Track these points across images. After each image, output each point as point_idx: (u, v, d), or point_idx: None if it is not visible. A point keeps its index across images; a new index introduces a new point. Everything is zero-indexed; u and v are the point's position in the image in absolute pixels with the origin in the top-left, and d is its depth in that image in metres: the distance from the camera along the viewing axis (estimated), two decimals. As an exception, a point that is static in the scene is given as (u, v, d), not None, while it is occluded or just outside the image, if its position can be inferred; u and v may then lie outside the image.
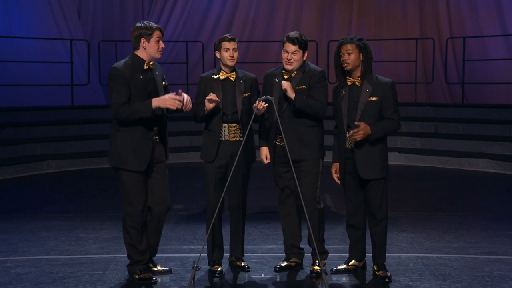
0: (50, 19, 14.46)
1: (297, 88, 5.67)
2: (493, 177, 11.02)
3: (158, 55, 5.51)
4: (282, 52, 5.73)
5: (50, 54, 14.17)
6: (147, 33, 5.48)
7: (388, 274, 5.68)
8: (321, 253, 5.78)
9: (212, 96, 5.57)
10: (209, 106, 5.59)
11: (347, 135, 5.54)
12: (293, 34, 5.72)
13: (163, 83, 5.64)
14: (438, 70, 14.78)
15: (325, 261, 5.80)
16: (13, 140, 11.68)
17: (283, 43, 5.72)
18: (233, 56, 5.71)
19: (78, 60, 14.32)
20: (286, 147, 5.48)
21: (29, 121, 12.32)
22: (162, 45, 5.53)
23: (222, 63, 5.79)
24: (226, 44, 5.72)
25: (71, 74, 13.40)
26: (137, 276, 5.60)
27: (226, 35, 5.81)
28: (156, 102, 5.41)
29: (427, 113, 13.33)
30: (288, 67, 5.70)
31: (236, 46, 5.75)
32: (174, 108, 5.40)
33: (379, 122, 5.54)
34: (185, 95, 5.48)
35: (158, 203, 5.64)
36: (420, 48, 14.99)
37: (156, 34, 5.49)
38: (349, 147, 5.61)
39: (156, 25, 5.53)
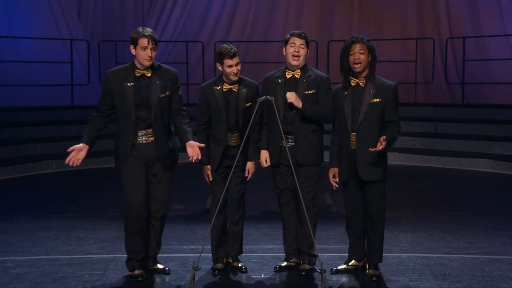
0: (50, 19, 14.46)
1: (306, 92, 5.67)
2: (493, 177, 11.02)
3: (144, 63, 5.48)
4: (288, 47, 5.71)
5: (50, 54, 14.17)
6: (134, 39, 5.47)
7: (378, 273, 5.69)
8: (312, 256, 5.82)
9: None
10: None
11: (371, 150, 5.47)
12: (297, 31, 5.77)
13: (163, 94, 5.52)
14: (438, 70, 14.78)
15: (313, 264, 5.83)
16: (13, 140, 11.68)
17: (287, 40, 5.72)
18: (236, 72, 5.67)
19: (78, 60, 14.32)
20: (287, 150, 5.50)
21: (29, 121, 12.32)
22: (148, 53, 5.43)
23: (225, 76, 5.74)
24: (229, 62, 5.62)
25: (71, 74, 13.40)
26: (130, 273, 5.67)
27: (228, 49, 5.62)
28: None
29: (427, 113, 13.33)
30: (295, 62, 5.69)
31: (238, 60, 5.68)
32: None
33: (388, 134, 5.50)
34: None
35: (153, 203, 5.67)
36: (420, 48, 14.98)
37: (141, 42, 5.43)
38: (352, 147, 5.60)
39: (143, 33, 5.44)
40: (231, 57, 5.62)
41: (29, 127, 12.12)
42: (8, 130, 11.81)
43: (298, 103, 5.62)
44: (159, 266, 5.83)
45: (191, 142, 5.45)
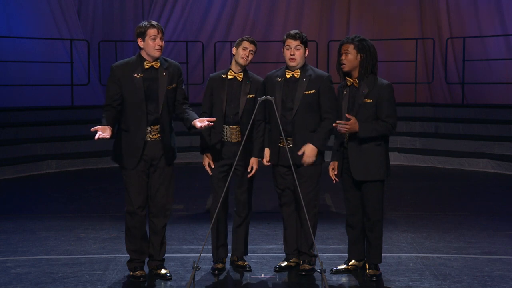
0: (50, 19, 14.45)
1: (306, 92, 5.68)
2: (493, 177, 11.02)
3: (155, 54, 5.47)
4: (284, 50, 5.74)
5: (50, 54, 14.17)
6: (141, 31, 5.48)
7: (377, 273, 5.69)
8: (312, 256, 5.82)
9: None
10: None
11: (333, 124, 5.53)
12: (293, 31, 5.78)
13: (170, 86, 5.53)
14: (438, 70, 14.78)
15: (313, 264, 5.83)
16: (13, 140, 11.68)
17: (284, 41, 5.75)
18: (247, 56, 5.74)
19: (78, 60, 14.32)
20: (287, 150, 5.50)
21: (29, 121, 12.32)
22: (159, 42, 5.47)
23: (235, 60, 5.79)
24: (246, 44, 5.74)
25: (71, 74, 13.41)
26: (131, 273, 5.66)
27: (249, 36, 5.84)
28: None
29: (427, 113, 13.34)
30: (292, 63, 5.71)
31: (254, 50, 5.77)
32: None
33: (370, 122, 5.51)
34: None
35: (153, 205, 5.65)
36: (420, 48, 14.99)
37: (150, 32, 5.45)
38: (346, 146, 5.61)
39: (150, 23, 5.49)
40: (250, 42, 5.75)
41: (29, 127, 12.12)
42: (8, 130, 11.81)
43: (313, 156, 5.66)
44: (163, 271, 5.71)
45: (200, 118, 5.50)
